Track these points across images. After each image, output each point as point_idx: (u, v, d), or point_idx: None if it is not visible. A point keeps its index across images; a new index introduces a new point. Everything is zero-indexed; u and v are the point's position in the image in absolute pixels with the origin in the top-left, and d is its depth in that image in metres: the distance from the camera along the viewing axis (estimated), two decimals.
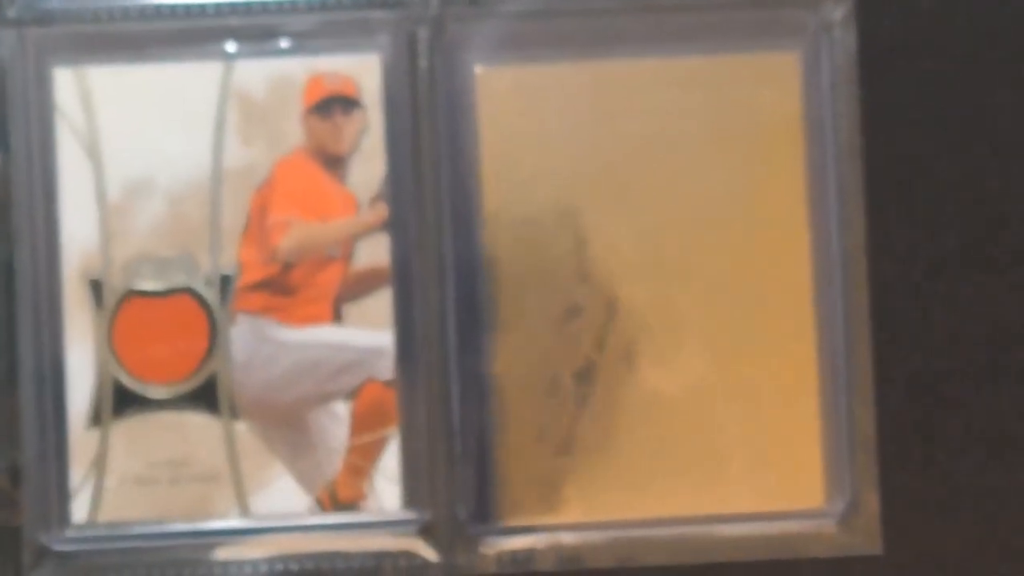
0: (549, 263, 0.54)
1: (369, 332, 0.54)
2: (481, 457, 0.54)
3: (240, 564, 0.52)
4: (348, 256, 0.54)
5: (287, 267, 0.54)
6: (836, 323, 0.54)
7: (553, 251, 0.54)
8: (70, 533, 0.53)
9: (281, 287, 0.54)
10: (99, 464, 0.53)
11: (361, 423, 0.54)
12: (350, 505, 0.54)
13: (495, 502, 0.54)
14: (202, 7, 0.54)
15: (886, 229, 0.54)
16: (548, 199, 0.54)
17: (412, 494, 0.54)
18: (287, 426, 0.54)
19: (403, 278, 0.54)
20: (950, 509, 0.54)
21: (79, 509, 0.53)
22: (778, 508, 0.54)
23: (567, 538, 0.53)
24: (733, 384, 0.54)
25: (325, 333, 0.54)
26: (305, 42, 0.54)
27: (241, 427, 0.53)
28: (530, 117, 0.55)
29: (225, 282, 0.54)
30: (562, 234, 0.54)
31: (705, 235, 0.54)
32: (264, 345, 0.54)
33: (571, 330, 0.54)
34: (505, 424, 0.54)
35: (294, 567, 0.53)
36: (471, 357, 0.54)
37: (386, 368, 0.54)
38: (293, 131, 0.54)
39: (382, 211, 0.54)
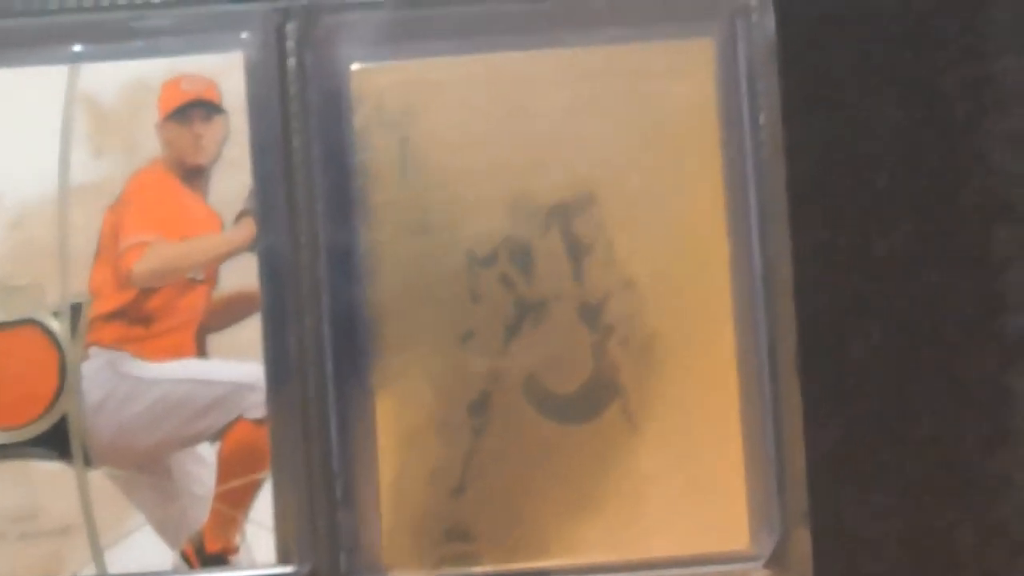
0: (440, 282, 0.48)
1: (237, 365, 0.48)
2: (365, 501, 0.48)
3: None
4: (212, 280, 0.48)
5: (144, 294, 0.48)
6: (760, 347, 0.48)
7: (444, 268, 0.48)
8: None
9: (138, 316, 0.48)
10: None
11: (230, 466, 0.48)
12: (219, 558, 0.48)
13: (382, 550, 0.48)
14: (44, 3, 0.48)
15: (812, 232, 0.48)
16: (438, 210, 0.48)
17: (288, 544, 0.48)
18: (147, 472, 0.48)
19: (274, 303, 0.48)
20: (884, 547, 0.48)
21: None
22: (700, 551, 0.48)
23: None
24: (647, 416, 0.48)
25: (188, 367, 0.48)
26: (160, 41, 0.49)
27: (96, 475, 0.48)
28: (415, 119, 0.49)
29: (75, 312, 0.48)
30: (453, 249, 0.48)
31: (617, 247, 0.48)
32: (121, 382, 0.48)
33: (464, 357, 0.48)
34: (391, 463, 0.48)
35: None
36: (352, 390, 0.48)
37: (257, 405, 0.48)
38: (148, 141, 0.48)
39: (249, 229, 0.48)
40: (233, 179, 0.49)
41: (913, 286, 0.49)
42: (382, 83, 0.49)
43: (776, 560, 0.48)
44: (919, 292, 0.49)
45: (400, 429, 0.48)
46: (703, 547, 0.48)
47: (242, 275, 0.48)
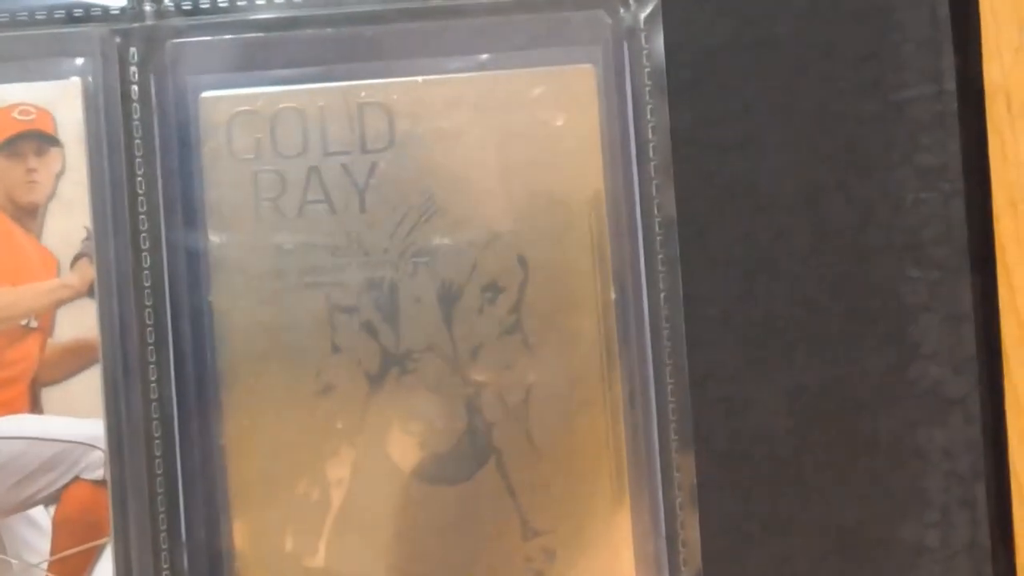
0: (297, 331, 0.44)
1: (75, 422, 0.44)
2: (214, 571, 0.44)
3: None
4: (47, 328, 0.44)
5: None
6: (648, 401, 0.44)
7: (302, 316, 0.44)
8: None
9: None
10: None
11: (66, 532, 0.44)
12: None
13: None
14: None
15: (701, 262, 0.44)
16: (294, 254, 0.44)
17: None
18: None
19: (114, 354, 0.44)
20: None
21: None
22: None
23: None
24: (524, 477, 0.44)
25: (20, 424, 0.44)
26: None
27: None
28: (271, 152, 0.44)
29: None
30: (312, 296, 0.44)
31: (493, 292, 0.44)
32: None
33: (323, 411, 0.44)
34: (244, 529, 0.44)
35: None
36: (200, 448, 0.44)
37: (95, 465, 0.44)
38: None
39: (87, 272, 0.44)
40: (70, 218, 0.44)
41: (815, 336, 0.45)
42: (234, 112, 0.44)
43: None
44: (822, 344, 0.45)
45: (253, 493, 0.44)
46: None
47: (80, 323, 0.44)
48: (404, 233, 0.44)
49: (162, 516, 0.44)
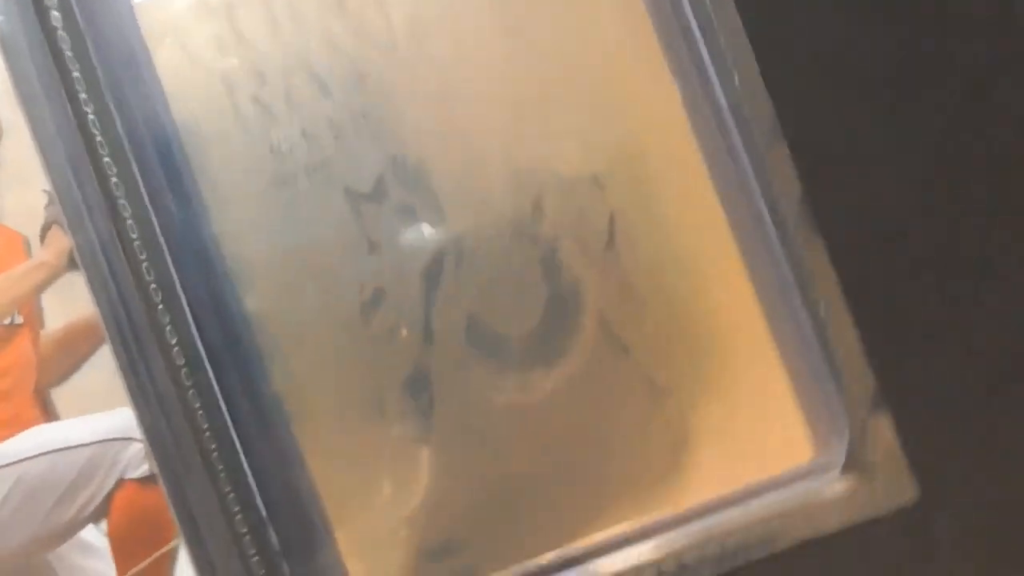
0: (322, 245, 0.37)
1: (98, 417, 0.36)
2: (317, 546, 0.36)
3: None
4: (35, 319, 0.37)
5: None
6: (761, 213, 0.36)
7: (321, 224, 0.37)
8: None
9: None
10: None
11: (127, 547, 0.36)
12: None
13: None
14: None
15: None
16: (294, 148, 0.37)
17: None
18: None
19: (120, 327, 0.36)
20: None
21: None
22: (756, 479, 0.37)
23: None
24: (637, 333, 0.36)
25: (37, 438, 0.37)
26: None
27: None
28: (236, 43, 0.37)
29: None
30: (324, 195, 0.37)
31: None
32: None
33: (379, 325, 0.37)
34: (328, 478, 0.36)
35: None
36: (250, 401, 0.37)
37: (137, 459, 0.36)
38: None
39: (61, 242, 0.36)
40: (25, 187, 0.37)
41: None
42: (178, 11, 0.37)
43: (854, 462, 0.36)
44: None
45: (327, 445, 0.37)
46: (757, 473, 0.37)
47: (71, 303, 0.37)
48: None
49: (230, 495, 0.36)
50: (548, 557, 0.36)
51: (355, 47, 0.36)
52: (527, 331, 0.37)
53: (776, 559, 0.36)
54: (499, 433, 0.36)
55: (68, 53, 0.36)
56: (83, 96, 0.36)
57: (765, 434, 0.36)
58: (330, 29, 0.36)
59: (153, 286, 0.36)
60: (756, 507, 0.36)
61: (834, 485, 0.36)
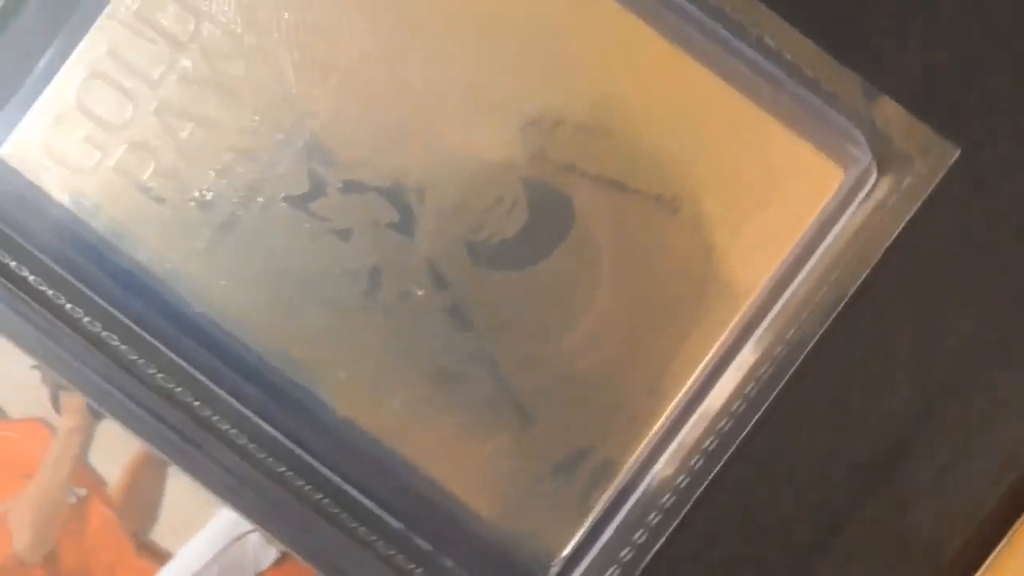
0: (292, 250, 0.35)
1: (202, 535, 0.36)
2: (459, 533, 0.36)
3: None
4: (96, 482, 0.36)
5: (49, 560, 0.36)
6: None
7: (282, 237, 0.35)
8: None
9: None
10: None
11: None
12: None
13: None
14: None
15: None
16: (218, 187, 0.35)
17: None
18: None
19: (166, 439, 0.35)
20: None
21: None
22: (810, 220, 0.35)
23: None
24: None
25: None
26: None
27: None
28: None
29: None
30: (275, 212, 0.35)
31: None
32: None
33: (391, 299, 0.35)
34: (438, 471, 0.35)
35: None
36: (326, 438, 0.35)
37: (261, 550, 0.36)
38: None
39: (76, 400, 0.35)
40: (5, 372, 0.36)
41: None
42: (40, 141, 0.35)
43: (885, 159, 0.35)
44: None
45: (416, 433, 0.36)
46: (802, 223, 0.35)
47: (115, 448, 0.36)
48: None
49: (359, 529, 0.35)
50: (659, 420, 0.35)
51: (209, 58, 0.34)
52: (525, 223, 0.35)
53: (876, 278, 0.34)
54: (555, 330, 0.35)
55: None
56: (12, 264, 0.35)
57: (789, 182, 0.35)
58: (176, 62, 0.34)
59: (178, 390, 0.35)
60: (823, 258, 0.35)
61: (878, 192, 0.35)
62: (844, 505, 0.36)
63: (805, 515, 0.36)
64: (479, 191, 0.35)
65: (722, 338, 0.34)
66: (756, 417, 0.34)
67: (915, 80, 0.35)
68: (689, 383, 0.35)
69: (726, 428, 0.35)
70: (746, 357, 0.35)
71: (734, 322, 0.34)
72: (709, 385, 0.35)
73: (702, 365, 0.35)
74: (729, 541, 0.36)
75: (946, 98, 0.35)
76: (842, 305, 0.35)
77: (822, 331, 0.35)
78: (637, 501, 0.35)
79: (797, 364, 0.34)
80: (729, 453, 0.35)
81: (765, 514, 0.36)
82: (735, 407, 0.34)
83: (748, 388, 0.34)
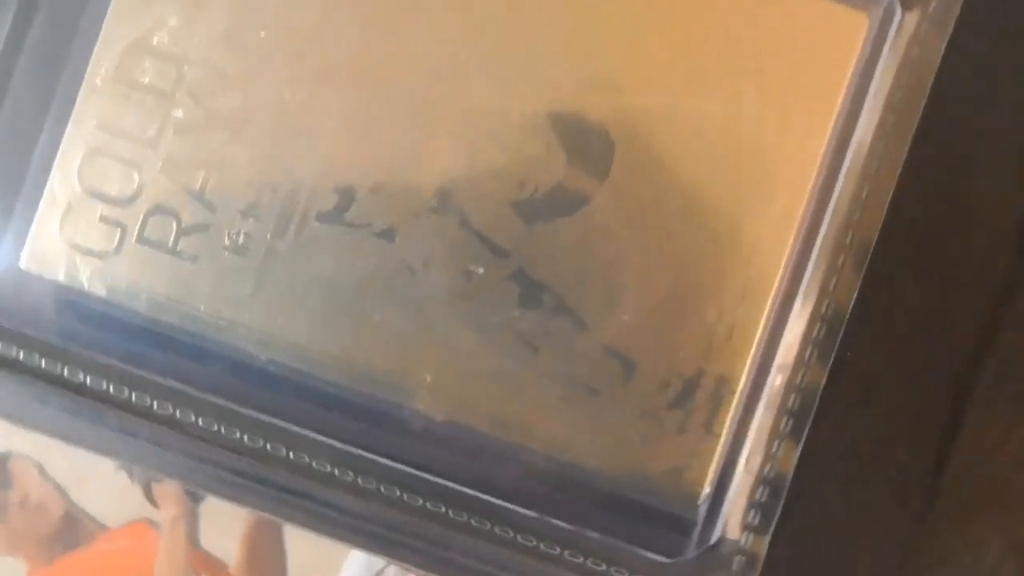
0: (341, 266, 0.34)
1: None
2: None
3: None
4: (213, 564, 0.34)
5: None
6: None
7: (324, 257, 0.34)
8: None
9: None
10: None
11: None
12: None
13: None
14: None
15: None
16: (248, 225, 0.34)
17: None
18: None
19: (273, 501, 0.34)
20: None
21: None
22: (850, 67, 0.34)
23: None
24: None
25: None
26: None
27: None
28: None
29: None
30: (308, 232, 0.34)
31: None
32: None
33: (465, 286, 0.34)
34: (591, 453, 0.34)
35: None
36: (446, 452, 0.34)
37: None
38: None
39: (170, 489, 0.34)
40: (93, 487, 0.34)
41: None
42: (58, 242, 0.34)
43: None
44: None
45: (533, 420, 0.34)
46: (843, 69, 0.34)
47: (217, 526, 0.34)
48: None
49: (539, 545, 0.34)
50: (761, 322, 0.34)
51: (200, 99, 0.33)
52: (564, 164, 0.34)
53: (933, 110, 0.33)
54: (626, 263, 0.33)
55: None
56: (65, 371, 0.34)
57: (818, 43, 0.33)
58: (169, 114, 0.33)
59: (269, 446, 0.34)
60: (873, 107, 0.33)
61: (907, 25, 0.33)
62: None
63: (932, 373, 0.34)
64: (511, 149, 0.33)
65: (798, 217, 0.33)
66: (858, 286, 0.33)
67: None
68: (779, 275, 0.33)
69: (830, 311, 0.33)
70: (828, 231, 0.33)
71: (806, 198, 0.33)
72: (799, 273, 0.33)
73: (787, 252, 0.33)
74: (860, 425, 0.34)
75: None
76: (904, 156, 0.33)
77: (894, 187, 0.33)
78: (763, 412, 0.33)
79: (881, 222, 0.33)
80: (840, 333, 0.33)
81: (897, 384, 0.34)
82: (831, 285, 0.33)
83: (839, 260, 0.33)
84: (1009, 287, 0.34)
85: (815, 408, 0.33)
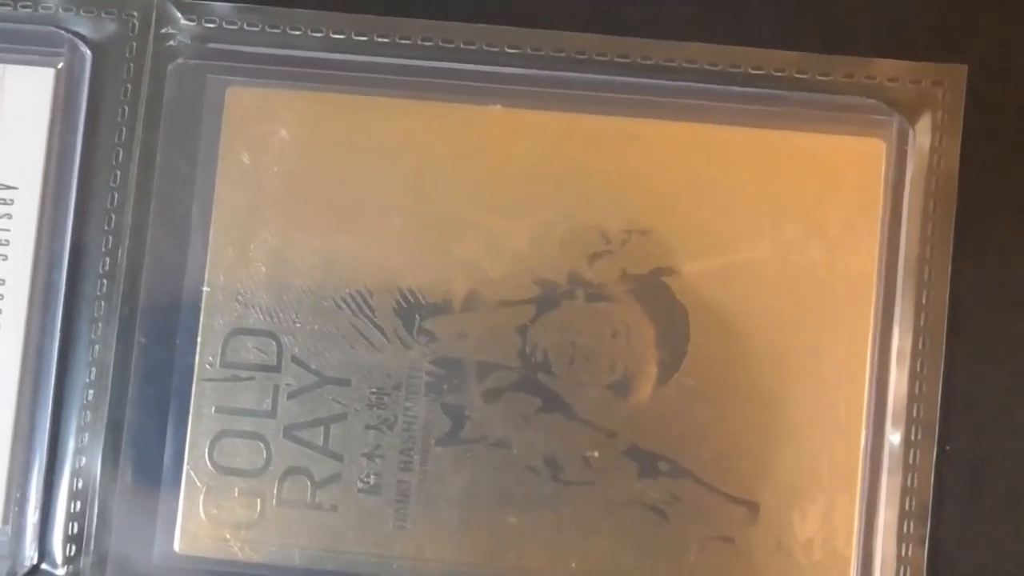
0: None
1: None
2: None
3: None
4: None
5: None
6: None
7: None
8: None
9: None
10: None
11: None
12: None
13: None
14: None
15: None
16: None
17: None
18: None
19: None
20: None
21: None
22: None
23: None
24: None
25: None
26: None
27: None
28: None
29: None
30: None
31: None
32: None
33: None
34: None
35: None
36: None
37: None
38: None
39: None
40: None
41: None
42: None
43: (914, 109, 0.36)
44: None
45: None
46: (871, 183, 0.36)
47: None
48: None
49: None
50: (861, 439, 0.36)
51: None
52: (654, 338, 0.36)
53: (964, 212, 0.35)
54: (728, 414, 0.36)
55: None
56: None
57: (844, 178, 0.36)
58: (280, 384, 0.35)
59: None
60: (911, 221, 0.36)
61: (921, 139, 0.36)
62: None
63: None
64: (595, 334, 0.36)
65: (868, 333, 0.36)
66: (940, 390, 0.35)
67: (888, 29, 0.37)
68: (865, 391, 0.36)
69: (920, 408, 0.35)
70: (900, 341, 0.35)
71: (872, 313, 0.36)
72: (884, 383, 0.36)
73: (866, 371, 0.36)
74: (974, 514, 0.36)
75: (920, 35, 0.37)
76: (951, 254, 0.36)
77: (949, 287, 0.36)
78: (884, 511, 0.35)
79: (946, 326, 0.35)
80: (938, 423, 0.35)
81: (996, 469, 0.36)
82: (917, 388, 0.35)
83: (918, 365, 0.35)
84: None
85: (930, 510, 0.35)
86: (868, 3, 0.37)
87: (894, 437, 0.35)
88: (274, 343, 0.36)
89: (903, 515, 0.35)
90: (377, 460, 0.36)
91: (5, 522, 0.36)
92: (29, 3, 0.37)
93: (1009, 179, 0.37)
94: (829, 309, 0.36)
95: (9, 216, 0.36)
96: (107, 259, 0.36)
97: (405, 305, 0.36)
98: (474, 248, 0.36)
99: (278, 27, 0.36)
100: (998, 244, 0.36)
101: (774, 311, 0.36)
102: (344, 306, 0.36)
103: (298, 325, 0.36)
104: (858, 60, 0.36)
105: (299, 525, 0.36)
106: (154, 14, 0.37)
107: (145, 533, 0.36)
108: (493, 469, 0.36)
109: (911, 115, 0.36)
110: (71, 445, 0.36)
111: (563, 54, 0.36)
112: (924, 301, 0.35)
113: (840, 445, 0.36)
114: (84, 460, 0.36)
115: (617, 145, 0.36)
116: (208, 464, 0.36)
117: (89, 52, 0.36)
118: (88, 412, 0.36)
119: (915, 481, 0.35)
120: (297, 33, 0.37)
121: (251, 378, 0.36)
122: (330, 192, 0.36)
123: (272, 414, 0.36)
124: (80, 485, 0.36)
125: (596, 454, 0.36)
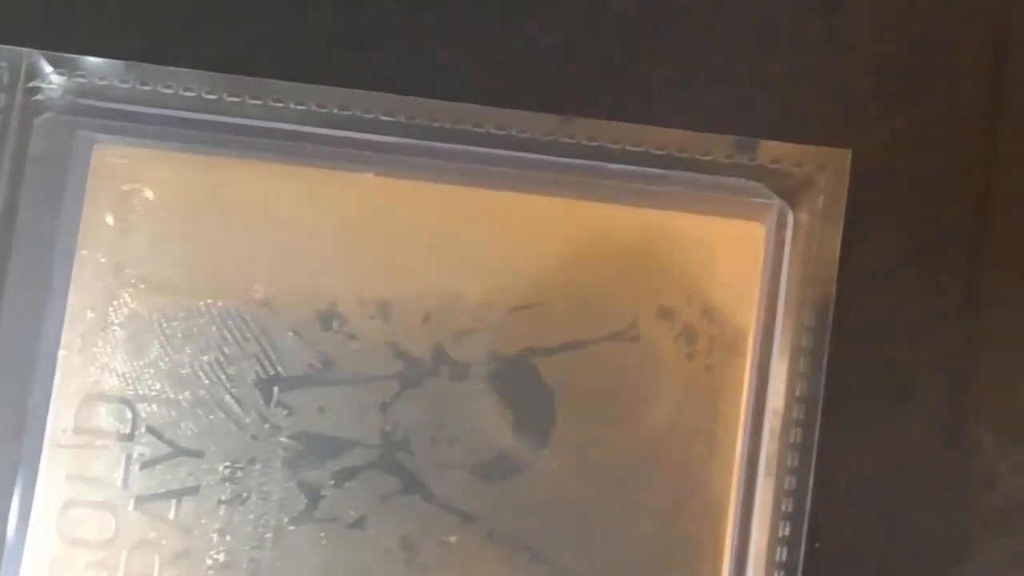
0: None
1: None
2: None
3: None
4: None
5: None
6: None
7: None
8: None
9: None
10: None
11: None
12: None
13: None
14: None
15: None
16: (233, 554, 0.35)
17: None
18: None
19: None
20: None
21: None
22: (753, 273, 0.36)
23: None
24: None
25: None
26: None
27: None
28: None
29: None
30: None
31: None
32: None
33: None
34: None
35: None
36: None
37: None
38: None
39: None
40: None
41: None
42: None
43: (794, 194, 0.35)
44: None
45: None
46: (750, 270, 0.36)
47: None
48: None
49: None
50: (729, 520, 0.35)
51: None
52: (512, 422, 0.35)
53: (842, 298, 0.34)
54: (600, 505, 0.35)
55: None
56: None
57: (720, 261, 0.35)
58: (132, 453, 0.34)
59: None
60: (787, 307, 0.35)
61: (801, 225, 0.35)
62: None
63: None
64: (459, 414, 0.35)
65: (742, 414, 0.35)
66: (811, 482, 0.34)
67: (774, 112, 0.36)
68: (735, 480, 0.35)
69: (789, 503, 0.34)
70: (771, 422, 0.35)
71: (744, 399, 0.35)
72: (753, 470, 0.35)
73: (737, 454, 0.35)
74: None
75: (805, 119, 0.36)
76: (827, 347, 0.35)
77: (824, 375, 0.35)
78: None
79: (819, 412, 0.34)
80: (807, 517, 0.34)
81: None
82: (787, 483, 0.34)
83: (787, 459, 0.34)
84: None
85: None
86: (755, 84, 0.36)
87: (758, 543, 0.34)
88: (129, 410, 0.35)
89: None
90: (228, 537, 0.35)
91: None
92: None
93: (890, 262, 0.36)
94: (703, 393, 0.35)
95: None
96: None
97: (264, 376, 0.35)
98: (337, 319, 0.35)
99: (149, 84, 0.35)
100: (873, 326, 0.36)
101: (644, 394, 0.35)
102: (202, 374, 0.35)
103: (154, 392, 0.35)
104: (740, 140, 0.35)
105: None
106: (23, 66, 0.36)
107: None
108: (348, 550, 0.35)
109: (793, 199, 0.35)
110: None
111: (439, 124, 0.35)
112: (797, 392, 0.34)
113: (707, 530, 0.35)
114: None
115: (492, 219, 0.35)
116: (54, 534, 0.35)
117: None
118: None
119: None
120: (169, 91, 0.35)
121: (105, 446, 0.35)
122: (193, 256, 0.35)
123: (124, 483, 0.35)
124: None
125: (453, 539, 0.35)
